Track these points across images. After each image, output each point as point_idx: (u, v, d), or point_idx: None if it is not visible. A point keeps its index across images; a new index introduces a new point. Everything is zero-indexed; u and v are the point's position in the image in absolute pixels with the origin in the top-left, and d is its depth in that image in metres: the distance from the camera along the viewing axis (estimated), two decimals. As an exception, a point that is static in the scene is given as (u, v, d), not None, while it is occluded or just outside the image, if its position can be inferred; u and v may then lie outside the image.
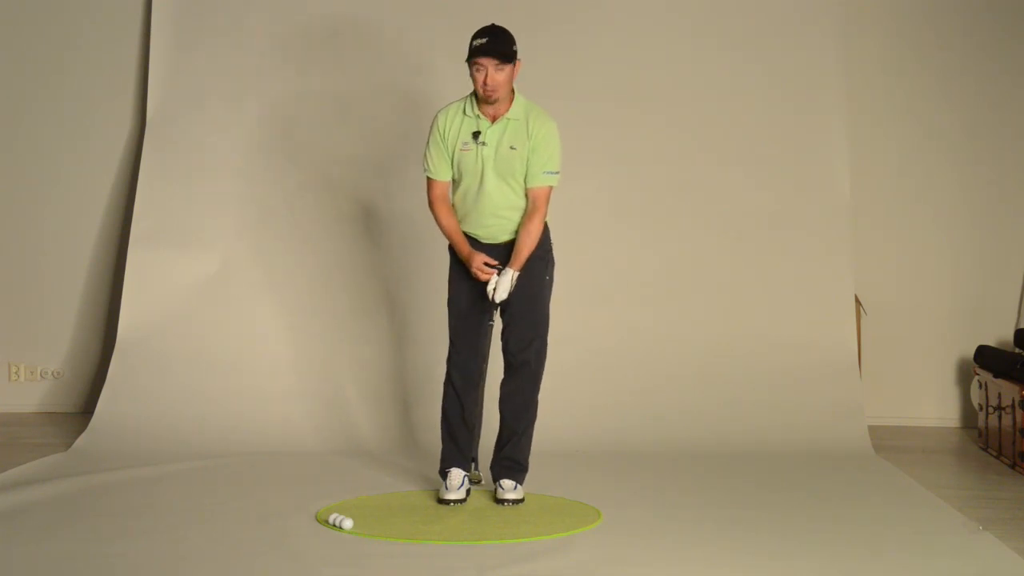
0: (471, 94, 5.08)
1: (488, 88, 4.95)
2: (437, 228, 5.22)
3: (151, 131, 6.97)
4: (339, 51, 6.93)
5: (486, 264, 5.02)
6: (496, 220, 5.08)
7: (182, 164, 6.94)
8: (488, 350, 5.22)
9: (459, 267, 5.16)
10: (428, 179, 5.16)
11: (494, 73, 4.93)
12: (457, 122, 5.06)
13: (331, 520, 4.73)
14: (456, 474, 5.18)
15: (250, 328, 6.71)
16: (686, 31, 6.96)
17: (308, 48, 6.95)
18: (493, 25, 5.03)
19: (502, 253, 5.10)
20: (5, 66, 7.29)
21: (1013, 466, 6.05)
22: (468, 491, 5.21)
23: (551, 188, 5.08)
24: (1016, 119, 7.18)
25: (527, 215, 5.06)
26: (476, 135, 5.03)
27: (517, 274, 5.03)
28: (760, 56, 6.93)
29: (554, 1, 6.96)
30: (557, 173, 5.07)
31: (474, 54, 4.94)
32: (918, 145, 7.20)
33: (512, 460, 5.21)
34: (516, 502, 5.13)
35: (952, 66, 7.18)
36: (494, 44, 4.93)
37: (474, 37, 4.98)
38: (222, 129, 6.91)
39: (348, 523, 4.68)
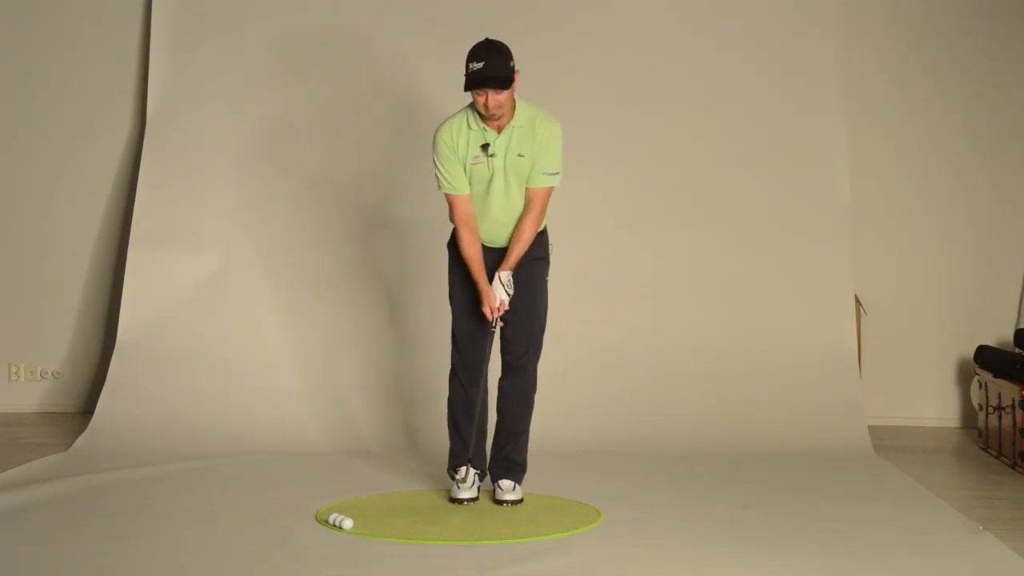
0: (470, 106, 5.00)
1: (491, 111, 4.87)
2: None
3: (151, 131, 6.97)
4: (338, 52, 6.93)
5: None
6: (501, 227, 5.06)
7: (182, 164, 6.94)
8: (490, 349, 5.21)
9: (459, 265, 5.14)
10: (449, 196, 5.03)
11: (495, 95, 4.84)
12: (464, 136, 4.97)
13: (331, 520, 4.73)
14: (468, 472, 5.17)
15: (250, 328, 6.71)
16: (686, 31, 6.96)
17: (307, 49, 6.95)
18: (487, 43, 4.88)
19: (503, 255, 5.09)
20: (5, 66, 7.29)
21: (1013, 466, 6.05)
22: (479, 489, 5.20)
23: (551, 189, 5.06)
24: (1016, 119, 7.18)
25: (522, 215, 5.02)
26: (485, 147, 4.97)
27: (510, 275, 5.01)
28: (760, 56, 6.94)
29: (554, 1, 6.96)
30: (558, 174, 5.04)
31: (473, 84, 4.82)
32: (918, 145, 7.20)
33: (512, 460, 5.20)
34: (515, 503, 5.13)
35: (952, 66, 7.18)
36: (492, 70, 4.79)
37: (470, 59, 4.84)
38: (222, 129, 6.92)
39: (348, 523, 4.68)
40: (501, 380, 5.22)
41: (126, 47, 7.21)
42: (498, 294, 4.99)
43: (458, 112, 5.04)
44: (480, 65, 4.80)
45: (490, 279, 5.05)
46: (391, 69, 6.89)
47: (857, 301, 6.86)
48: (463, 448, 5.20)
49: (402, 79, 6.85)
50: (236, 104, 6.93)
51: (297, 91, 6.93)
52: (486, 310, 4.98)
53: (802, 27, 6.95)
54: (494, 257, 5.09)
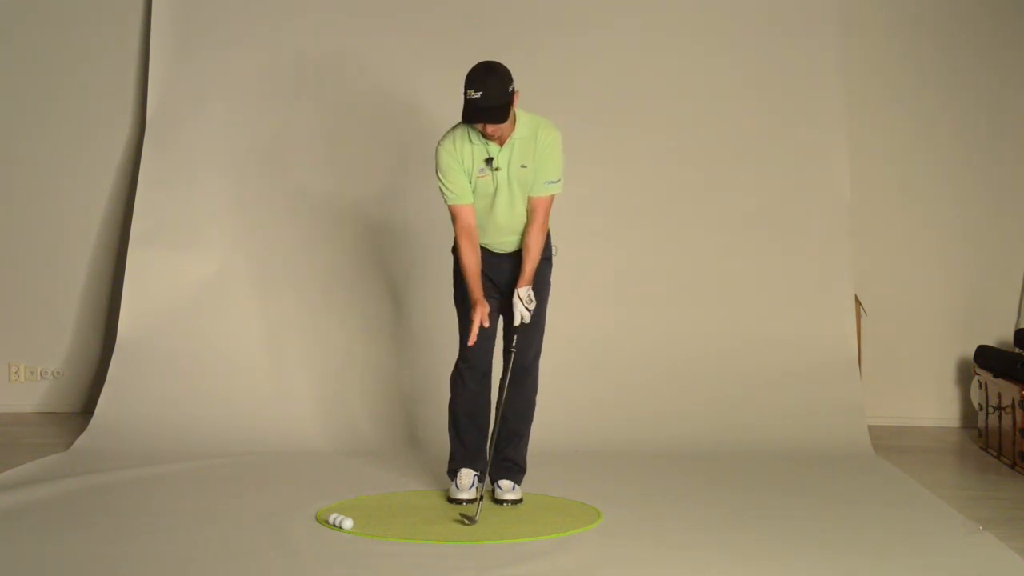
0: None
1: (491, 137, 4.87)
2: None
3: (151, 131, 6.97)
4: (338, 53, 6.93)
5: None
6: (508, 236, 5.06)
7: (182, 164, 6.94)
8: (493, 349, 5.21)
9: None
10: (451, 207, 4.99)
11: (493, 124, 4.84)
12: (467, 149, 4.94)
13: (331, 520, 4.73)
14: (466, 474, 5.16)
15: (250, 328, 6.71)
16: (686, 32, 6.96)
17: (307, 49, 6.94)
18: (485, 68, 4.80)
19: (514, 261, 5.07)
20: (5, 66, 7.29)
21: (1013, 466, 6.05)
22: (479, 490, 5.17)
23: (553, 197, 5.05)
24: (1015, 120, 7.18)
25: (528, 226, 5.01)
26: (489, 161, 4.94)
27: (528, 290, 4.98)
28: (761, 58, 6.94)
29: (554, 2, 6.96)
30: (559, 181, 5.02)
31: (470, 118, 4.78)
32: (917, 146, 7.20)
33: (512, 462, 5.21)
34: (515, 502, 5.13)
35: (951, 67, 7.18)
36: (487, 100, 4.73)
37: (467, 85, 4.77)
38: (222, 129, 6.92)
39: (348, 523, 4.68)
40: (503, 381, 5.21)
41: (126, 48, 7.21)
42: (518, 311, 4.97)
43: (457, 125, 4.99)
44: (477, 95, 4.75)
45: (498, 279, 5.06)
46: (391, 73, 6.88)
47: (857, 301, 6.86)
48: (463, 451, 5.21)
49: (401, 85, 6.85)
50: (236, 104, 6.93)
51: (297, 91, 6.93)
52: (475, 320, 4.93)
53: (802, 28, 6.95)
54: (499, 261, 5.09)
